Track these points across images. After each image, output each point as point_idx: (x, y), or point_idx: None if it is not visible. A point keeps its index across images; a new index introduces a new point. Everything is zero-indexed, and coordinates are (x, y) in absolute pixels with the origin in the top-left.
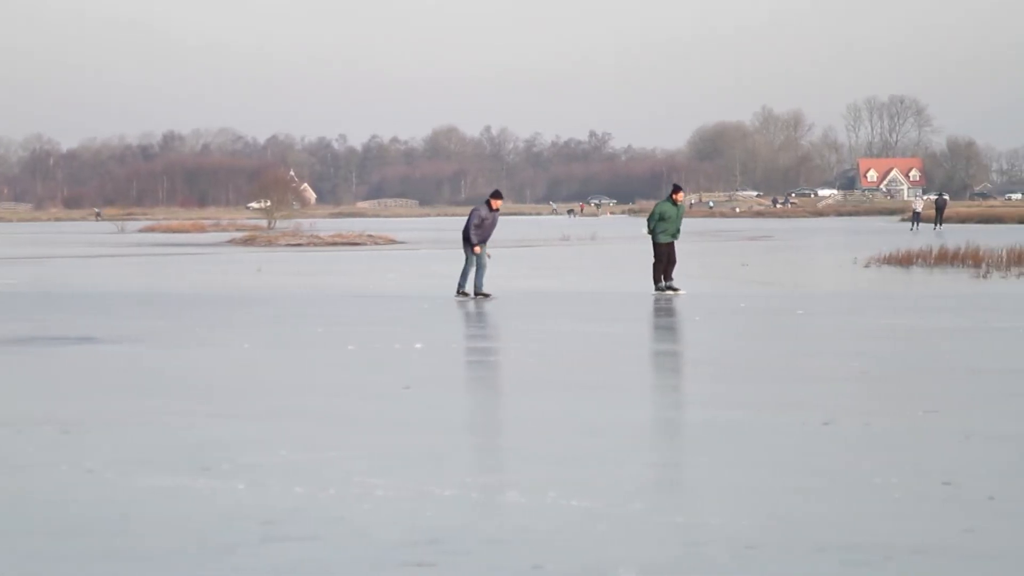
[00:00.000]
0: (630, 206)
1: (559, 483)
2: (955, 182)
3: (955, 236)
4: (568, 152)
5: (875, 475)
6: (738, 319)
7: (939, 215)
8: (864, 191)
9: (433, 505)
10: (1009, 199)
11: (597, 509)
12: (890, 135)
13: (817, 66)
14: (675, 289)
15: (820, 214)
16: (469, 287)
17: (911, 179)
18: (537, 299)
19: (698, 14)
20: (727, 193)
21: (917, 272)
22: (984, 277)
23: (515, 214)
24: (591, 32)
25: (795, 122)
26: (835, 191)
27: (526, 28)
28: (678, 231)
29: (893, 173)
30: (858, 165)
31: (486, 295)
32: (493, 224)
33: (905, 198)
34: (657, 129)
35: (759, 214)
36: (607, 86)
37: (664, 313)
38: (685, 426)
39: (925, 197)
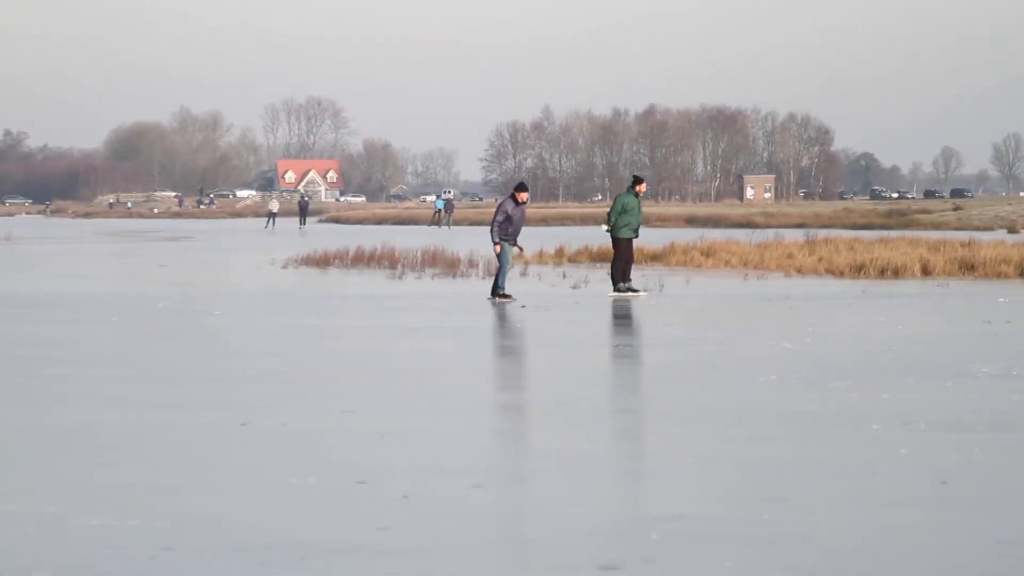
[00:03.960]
0: (46, 206)
1: None
2: (372, 183)
3: (318, 236)
4: None
5: (292, 475)
6: (155, 320)
7: (302, 215)
8: (283, 192)
9: None
10: (424, 200)
11: (9, 512)
12: (308, 137)
13: (236, 67)
14: (635, 291)
15: (239, 215)
16: (510, 288)
17: (329, 180)
18: None
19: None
20: (145, 193)
21: (335, 273)
22: (400, 278)
23: None
24: (9, 31)
25: (214, 123)
26: (253, 192)
27: None
28: (639, 227)
29: (311, 174)
30: (276, 166)
31: (505, 296)
32: (521, 218)
33: (322, 199)
34: (75, 128)
35: (178, 215)
36: (20, 84)
37: (77, 315)
38: (98, 428)
39: (280, 199)
